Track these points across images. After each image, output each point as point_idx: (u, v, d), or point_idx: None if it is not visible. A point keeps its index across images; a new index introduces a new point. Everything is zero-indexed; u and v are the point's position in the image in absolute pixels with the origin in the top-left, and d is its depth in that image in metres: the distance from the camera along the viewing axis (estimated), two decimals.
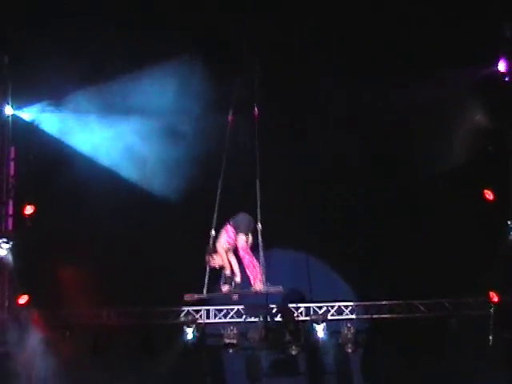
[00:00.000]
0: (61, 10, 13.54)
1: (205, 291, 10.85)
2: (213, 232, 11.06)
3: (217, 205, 11.37)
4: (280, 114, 14.32)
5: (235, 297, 11.29)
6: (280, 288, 10.72)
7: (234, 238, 10.94)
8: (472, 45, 13.42)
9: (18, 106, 14.25)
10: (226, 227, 11.06)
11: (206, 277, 10.90)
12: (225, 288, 10.86)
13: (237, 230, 10.95)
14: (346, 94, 14.31)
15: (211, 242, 11.05)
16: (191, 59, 13.95)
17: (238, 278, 10.84)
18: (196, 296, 11.00)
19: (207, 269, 10.98)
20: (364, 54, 13.82)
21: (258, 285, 10.62)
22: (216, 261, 10.92)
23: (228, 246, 10.97)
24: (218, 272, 11.09)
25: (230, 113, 12.17)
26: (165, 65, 13.97)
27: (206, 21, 13.74)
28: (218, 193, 11.50)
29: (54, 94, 14.17)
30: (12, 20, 13.56)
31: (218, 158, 12.18)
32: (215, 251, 10.95)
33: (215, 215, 11.25)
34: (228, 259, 10.93)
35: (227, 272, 10.87)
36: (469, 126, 14.28)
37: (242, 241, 10.88)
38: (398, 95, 14.05)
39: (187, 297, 11.05)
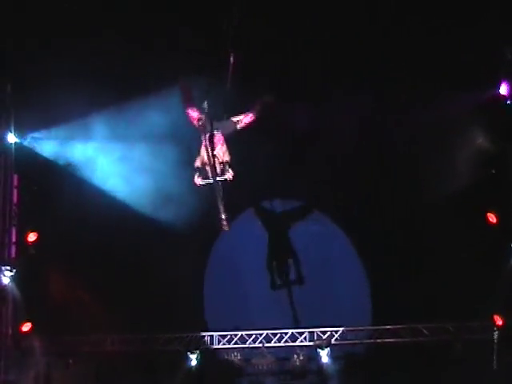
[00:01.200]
0: (62, 36, 13.58)
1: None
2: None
3: None
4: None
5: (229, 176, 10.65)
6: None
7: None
8: (473, 68, 13.43)
9: (21, 133, 14.25)
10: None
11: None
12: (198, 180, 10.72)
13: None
14: (346, 114, 14.39)
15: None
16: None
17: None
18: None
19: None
20: (365, 79, 13.84)
21: None
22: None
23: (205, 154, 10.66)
24: None
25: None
26: (171, 88, 13.98)
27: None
28: None
29: (57, 121, 14.13)
30: (14, 48, 13.58)
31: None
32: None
33: None
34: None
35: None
36: (471, 149, 14.29)
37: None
38: (399, 119, 14.08)
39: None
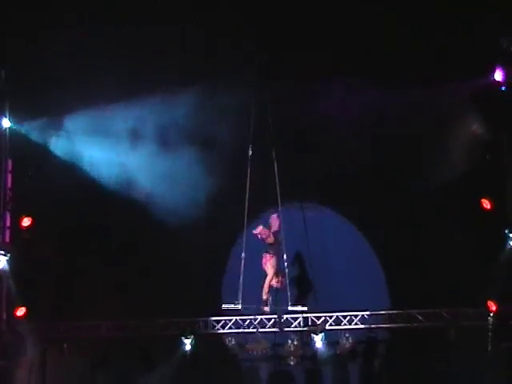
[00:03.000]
0: (60, 23, 13.57)
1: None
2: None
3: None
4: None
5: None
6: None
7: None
8: (468, 55, 13.44)
9: (17, 119, 14.23)
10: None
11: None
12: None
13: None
14: (344, 105, 14.41)
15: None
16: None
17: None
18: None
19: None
20: (361, 68, 13.83)
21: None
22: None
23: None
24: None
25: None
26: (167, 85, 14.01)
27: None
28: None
29: (53, 109, 14.11)
30: (9, 34, 13.57)
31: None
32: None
33: None
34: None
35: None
36: (466, 136, 14.30)
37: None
38: (394, 108, 14.06)
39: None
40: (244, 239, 13.47)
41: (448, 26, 13.64)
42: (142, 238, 14.55)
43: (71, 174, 14.37)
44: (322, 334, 14.33)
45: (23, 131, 14.29)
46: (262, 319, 14.54)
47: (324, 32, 13.80)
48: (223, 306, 13.49)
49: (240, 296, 13.09)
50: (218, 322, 14.66)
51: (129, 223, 14.53)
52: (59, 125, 14.47)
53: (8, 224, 14.11)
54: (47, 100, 14.03)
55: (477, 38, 13.41)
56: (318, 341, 14.35)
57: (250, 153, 13.69)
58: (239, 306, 13.20)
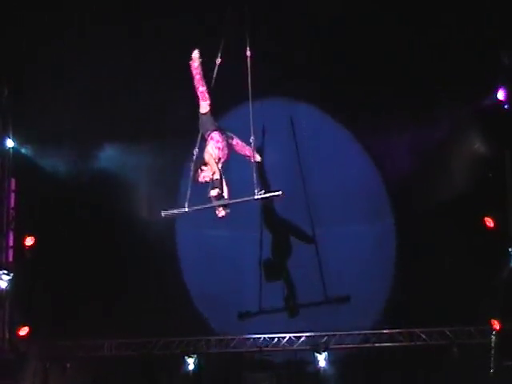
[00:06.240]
0: (63, 41, 13.58)
1: (186, 204, 9.15)
2: (196, 150, 9.56)
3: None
4: None
5: (221, 213, 9.20)
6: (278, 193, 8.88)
7: (222, 140, 9.57)
8: (471, 73, 13.45)
9: (20, 140, 14.24)
10: (210, 135, 9.58)
11: (189, 190, 9.31)
12: (214, 192, 9.22)
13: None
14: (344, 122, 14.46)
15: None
16: None
17: (226, 194, 9.43)
18: (176, 211, 9.29)
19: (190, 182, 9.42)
20: (363, 90, 13.85)
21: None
22: (206, 173, 9.33)
23: (218, 152, 9.53)
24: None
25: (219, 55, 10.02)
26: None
27: None
28: None
29: (56, 129, 14.10)
30: (13, 52, 13.57)
31: None
32: (204, 163, 9.35)
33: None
34: (219, 169, 9.45)
35: (216, 177, 9.34)
36: (469, 154, 14.33)
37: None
38: (397, 120, 14.14)
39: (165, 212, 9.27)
40: None
41: (450, 43, 13.65)
42: (143, 255, 14.51)
43: (75, 192, 14.38)
44: (325, 352, 14.34)
45: (27, 152, 14.31)
46: (265, 338, 14.57)
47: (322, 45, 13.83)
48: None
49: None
50: (220, 341, 14.66)
51: (130, 239, 14.50)
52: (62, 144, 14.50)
53: (11, 243, 14.10)
54: (51, 120, 14.00)
55: (479, 55, 13.42)
56: (321, 360, 14.35)
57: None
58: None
